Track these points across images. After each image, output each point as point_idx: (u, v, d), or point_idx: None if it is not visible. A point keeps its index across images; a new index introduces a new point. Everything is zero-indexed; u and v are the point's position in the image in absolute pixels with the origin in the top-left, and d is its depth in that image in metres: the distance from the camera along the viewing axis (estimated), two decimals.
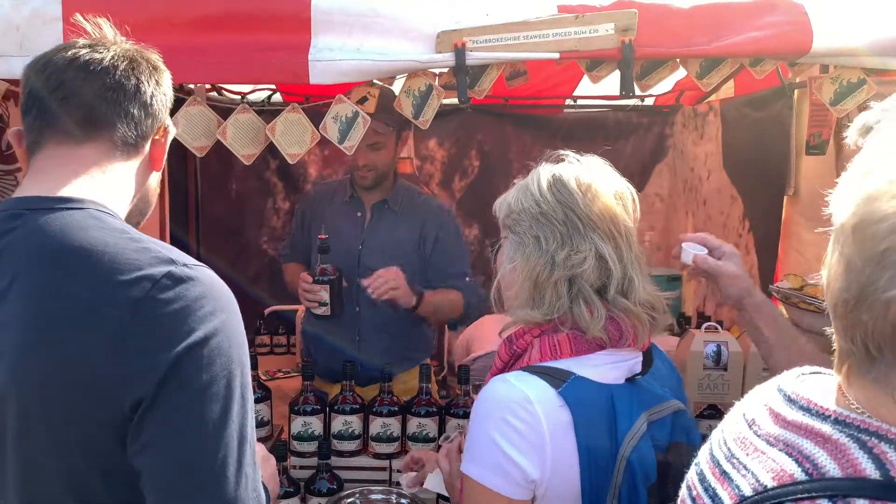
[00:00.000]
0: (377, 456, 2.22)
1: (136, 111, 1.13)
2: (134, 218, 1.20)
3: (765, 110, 3.13)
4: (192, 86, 2.46)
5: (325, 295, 2.40)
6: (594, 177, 1.31)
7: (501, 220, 1.38)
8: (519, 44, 1.75)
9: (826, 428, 0.70)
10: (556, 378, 1.23)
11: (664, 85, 3.54)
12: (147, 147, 1.18)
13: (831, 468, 0.67)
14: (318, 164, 4.07)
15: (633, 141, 4.06)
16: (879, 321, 0.66)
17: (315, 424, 2.22)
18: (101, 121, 1.11)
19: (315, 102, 2.02)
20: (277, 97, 3.42)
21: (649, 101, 3.92)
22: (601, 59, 1.78)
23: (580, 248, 1.27)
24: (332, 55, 1.79)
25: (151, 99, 1.15)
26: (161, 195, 2.82)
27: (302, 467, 2.20)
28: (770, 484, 0.71)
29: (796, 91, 2.93)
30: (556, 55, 1.75)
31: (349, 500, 2.09)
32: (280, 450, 2.10)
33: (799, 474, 0.69)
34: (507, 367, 1.33)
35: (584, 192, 1.29)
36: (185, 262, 1.01)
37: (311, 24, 1.75)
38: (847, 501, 0.64)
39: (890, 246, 0.65)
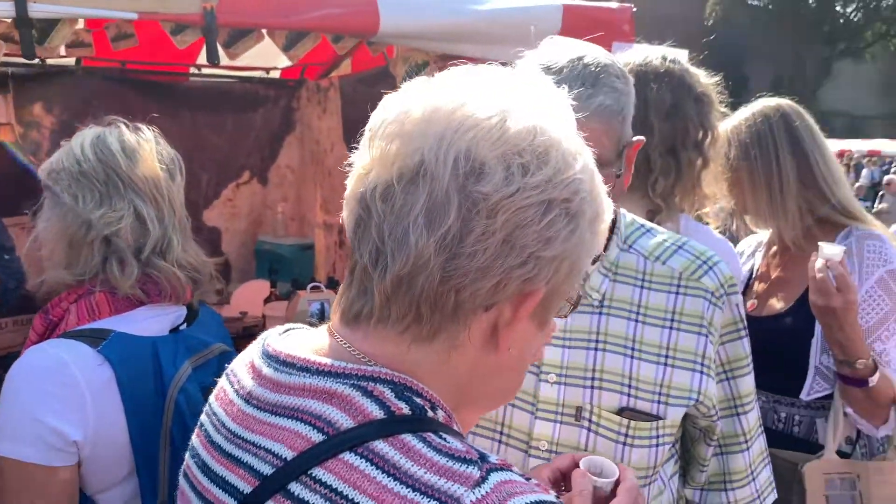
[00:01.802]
0: None
1: None
2: None
3: (375, 86, 3.38)
4: None
5: None
6: (141, 141, 1.34)
7: (43, 181, 1.33)
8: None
9: (329, 384, 0.70)
10: (95, 338, 1.24)
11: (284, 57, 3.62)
12: None
13: (344, 421, 0.67)
14: None
15: (262, 112, 4.07)
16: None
17: None
18: None
19: None
20: None
21: (276, 74, 3.97)
22: (184, 23, 1.76)
23: (117, 207, 1.29)
24: None
25: None
26: None
27: None
28: (289, 455, 0.68)
29: None
30: (134, 15, 1.68)
31: None
32: None
33: (316, 436, 0.67)
34: (42, 338, 1.31)
35: (129, 154, 1.31)
36: None
37: None
38: (367, 447, 0.65)
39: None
